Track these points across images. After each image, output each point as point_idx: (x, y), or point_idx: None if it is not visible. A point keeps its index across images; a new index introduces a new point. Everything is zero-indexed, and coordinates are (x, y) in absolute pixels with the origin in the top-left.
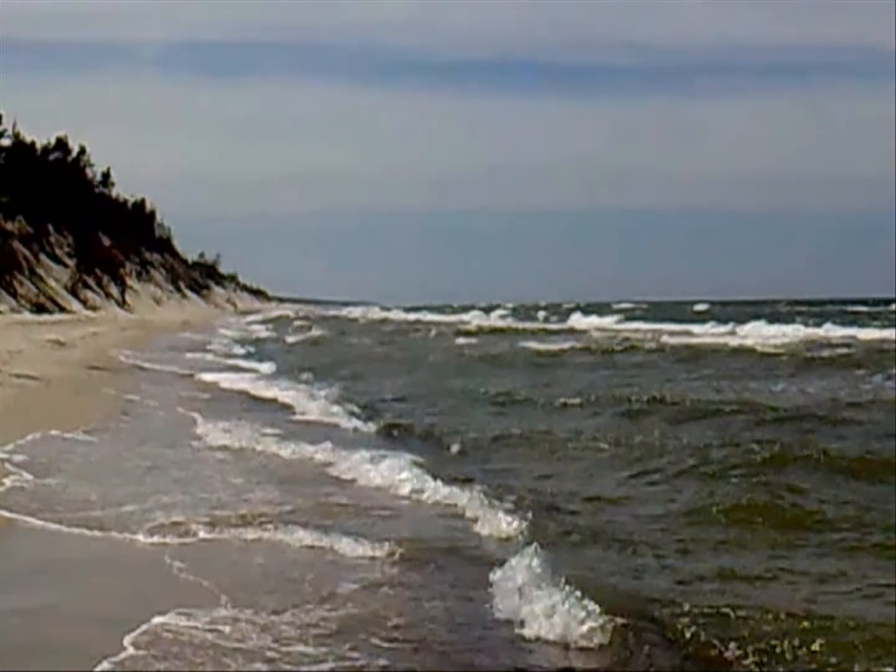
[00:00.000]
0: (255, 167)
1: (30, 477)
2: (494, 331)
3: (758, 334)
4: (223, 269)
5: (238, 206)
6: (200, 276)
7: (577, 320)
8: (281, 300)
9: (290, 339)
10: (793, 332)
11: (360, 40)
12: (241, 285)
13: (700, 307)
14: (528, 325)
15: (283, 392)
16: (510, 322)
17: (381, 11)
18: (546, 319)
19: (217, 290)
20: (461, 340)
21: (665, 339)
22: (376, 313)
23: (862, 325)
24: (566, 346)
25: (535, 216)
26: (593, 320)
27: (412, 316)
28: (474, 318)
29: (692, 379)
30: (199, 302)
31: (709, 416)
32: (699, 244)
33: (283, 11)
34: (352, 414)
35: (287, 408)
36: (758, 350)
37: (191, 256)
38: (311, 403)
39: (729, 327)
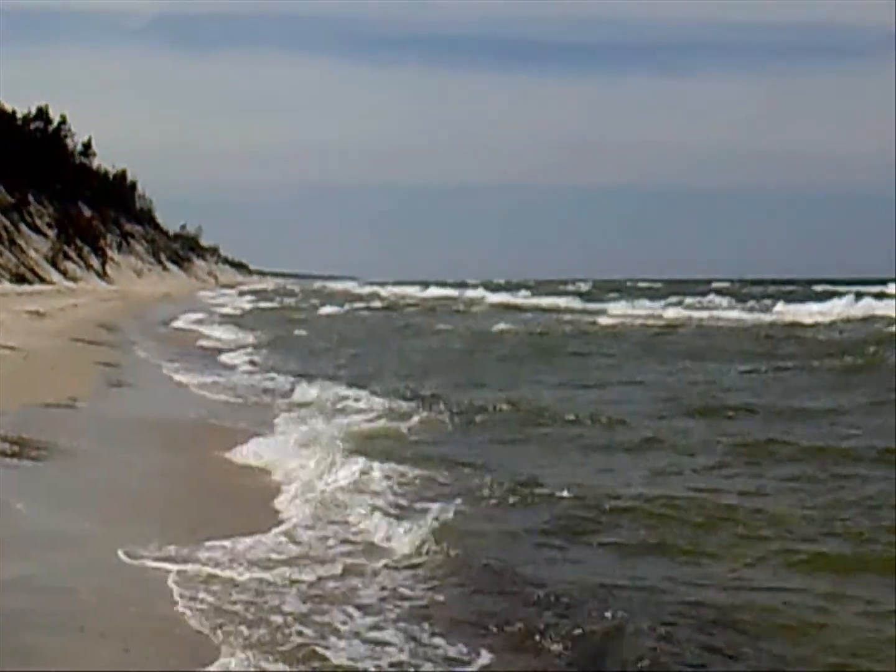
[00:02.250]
0: (238, 140)
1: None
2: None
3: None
4: (204, 242)
5: (220, 178)
6: (182, 249)
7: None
8: (262, 273)
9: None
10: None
11: (346, 13)
12: (223, 258)
13: (718, 285)
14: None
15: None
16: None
17: None
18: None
19: (198, 262)
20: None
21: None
22: (383, 290)
23: None
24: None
25: (523, 191)
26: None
27: (427, 293)
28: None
29: None
30: (180, 274)
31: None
32: (705, 222)
33: None
34: None
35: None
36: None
37: (172, 228)
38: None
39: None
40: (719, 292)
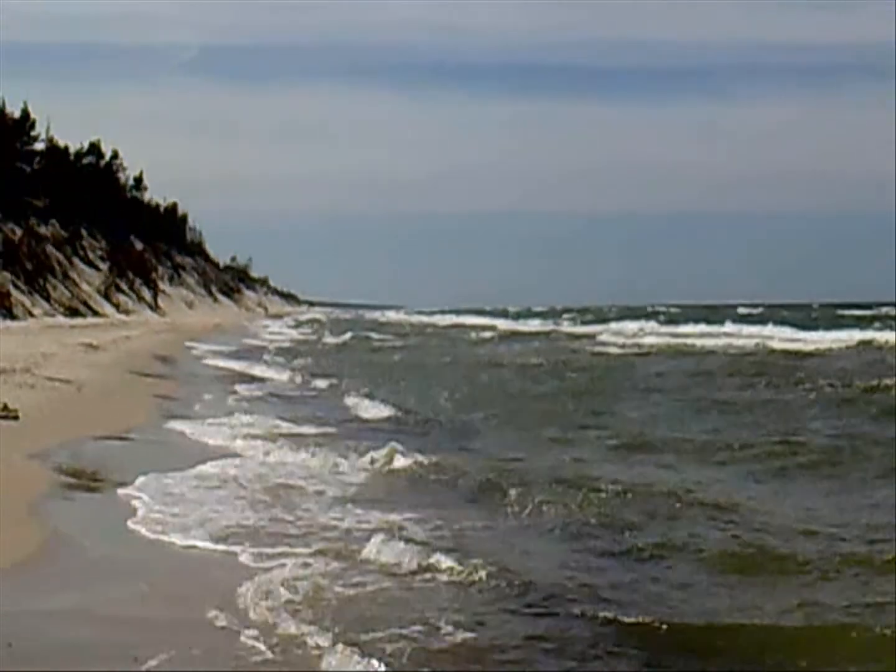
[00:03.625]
0: (287, 170)
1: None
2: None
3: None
4: (254, 273)
5: (270, 209)
6: (232, 280)
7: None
8: (311, 304)
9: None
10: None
11: (392, 43)
12: (272, 289)
13: (743, 310)
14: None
15: None
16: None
17: (413, 13)
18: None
19: (248, 293)
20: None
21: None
22: (443, 319)
23: None
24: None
25: (561, 220)
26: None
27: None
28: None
29: None
30: (230, 305)
31: None
32: (729, 247)
33: (313, 15)
34: None
35: None
36: None
37: (222, 260)
38: None
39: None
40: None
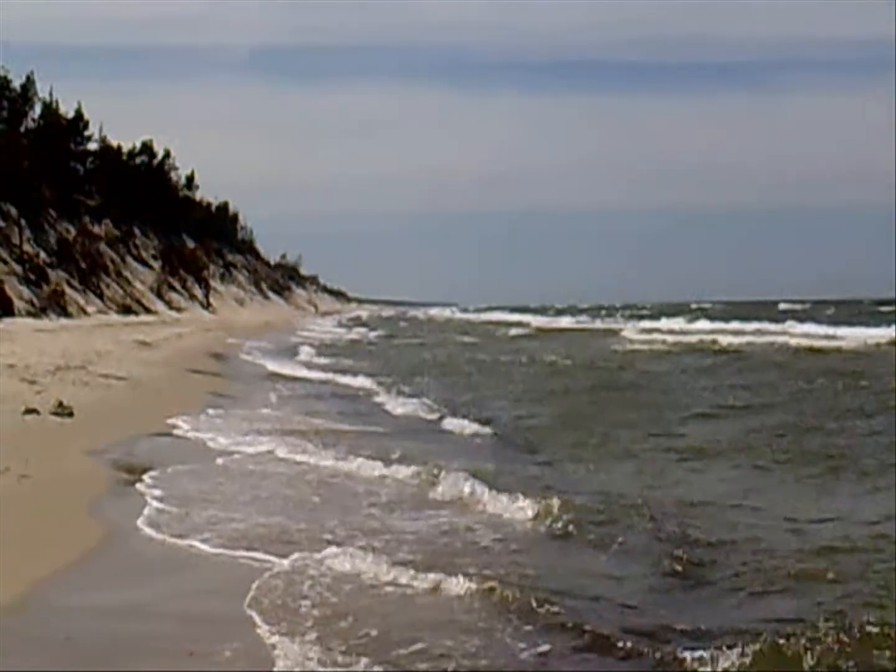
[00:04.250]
0: (337, 169)
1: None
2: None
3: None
4: (304, 271)
5: (320, 208)
6: (282, 278)
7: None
8: (360, 301)
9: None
10: None
11: (444, 42)
12: (322, 286)
13: (784, 306)
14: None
15: None
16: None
17: (466, 13)
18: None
19: (298, 291)
20: None
21: None
22: (505, 318)
23: None
24: None
25: (614, 216)
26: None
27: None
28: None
29: None
30: (280, 303)
31: None
32: (772, 243)
33: (365, 15)
34: None
35: None
36: None
37: (273, 258)
38: None
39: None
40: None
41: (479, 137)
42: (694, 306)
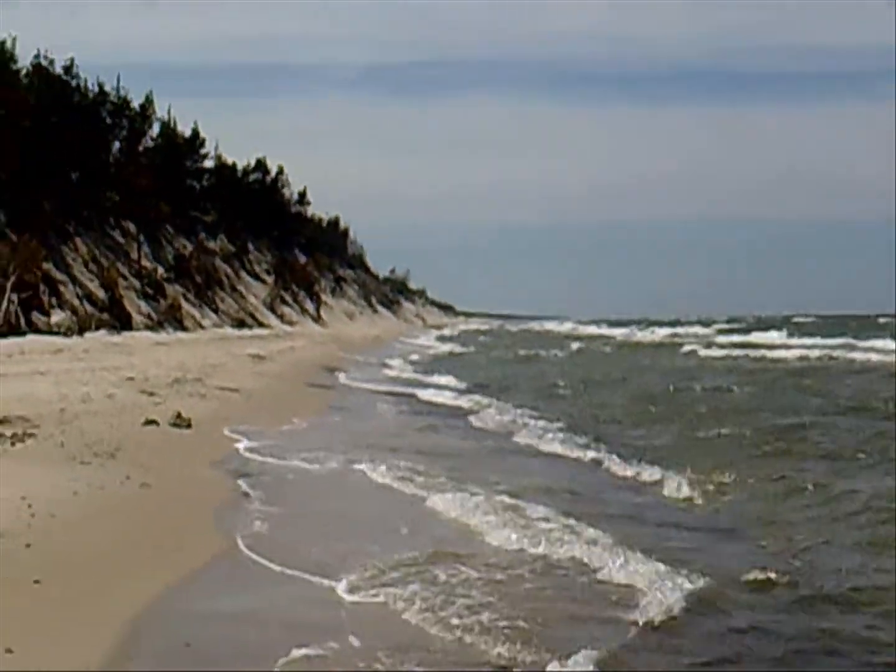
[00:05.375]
0: (446, 183)
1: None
2: None
3: None
4: (412, 285)
5: (428, 221)
6: (391, 292)
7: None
8: (468, 315)
9: None
10: None
11: (546, 54)
12: (430, 300)
13: (883, 320)
14: None
15: None
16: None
17: (565, 24)
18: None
19: (406, 304)
20: None
21: None
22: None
23: None
24: None
25: (723, 227)
26: None
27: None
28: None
29: None
30: (389, 316)
31: None
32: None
33: (476, 29)
34: None
35: None
36: None
37: (382, 272)
38: None
39: None
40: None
41: (589, 149)
42: (798, 319)
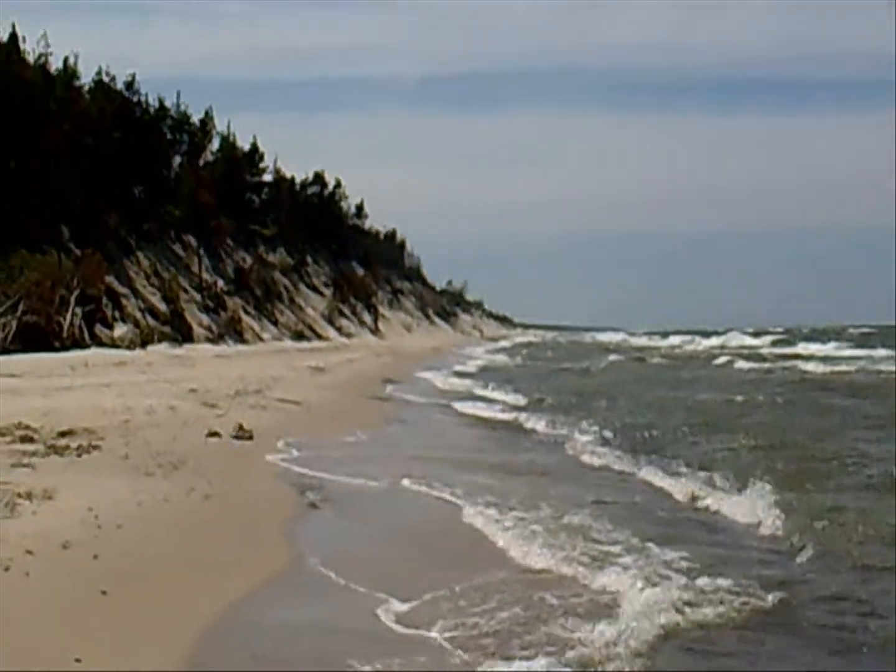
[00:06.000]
0: (502, 194)
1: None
2: None
3: None
4: (469, 296)
5: (484, 232)
6: (448, 303)
7: None
8: (525, 326)
9: None
10: None
11: (601, 64)
12: (487, 312)
13: None
14: None
15: None
16: None
17: (620, 35)
18: None
19: (463, 316)
20: None
21: None
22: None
23: None
24: None
25: (783, 237)
26: None
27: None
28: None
29: None
30: (446, 328)
31: None
32: None
33: (532, 40)
34: None
35: None
36: None
37: (439, 284)
38: None
39: None
40: None
41: (642, 160)
42: (853, 331)
